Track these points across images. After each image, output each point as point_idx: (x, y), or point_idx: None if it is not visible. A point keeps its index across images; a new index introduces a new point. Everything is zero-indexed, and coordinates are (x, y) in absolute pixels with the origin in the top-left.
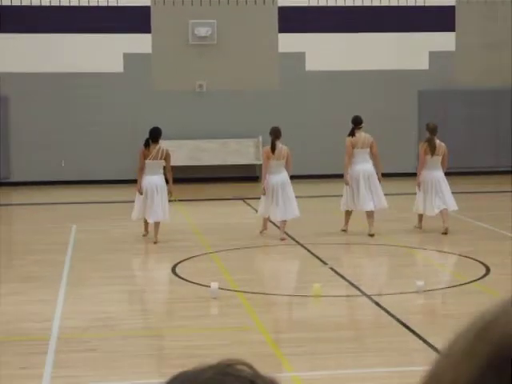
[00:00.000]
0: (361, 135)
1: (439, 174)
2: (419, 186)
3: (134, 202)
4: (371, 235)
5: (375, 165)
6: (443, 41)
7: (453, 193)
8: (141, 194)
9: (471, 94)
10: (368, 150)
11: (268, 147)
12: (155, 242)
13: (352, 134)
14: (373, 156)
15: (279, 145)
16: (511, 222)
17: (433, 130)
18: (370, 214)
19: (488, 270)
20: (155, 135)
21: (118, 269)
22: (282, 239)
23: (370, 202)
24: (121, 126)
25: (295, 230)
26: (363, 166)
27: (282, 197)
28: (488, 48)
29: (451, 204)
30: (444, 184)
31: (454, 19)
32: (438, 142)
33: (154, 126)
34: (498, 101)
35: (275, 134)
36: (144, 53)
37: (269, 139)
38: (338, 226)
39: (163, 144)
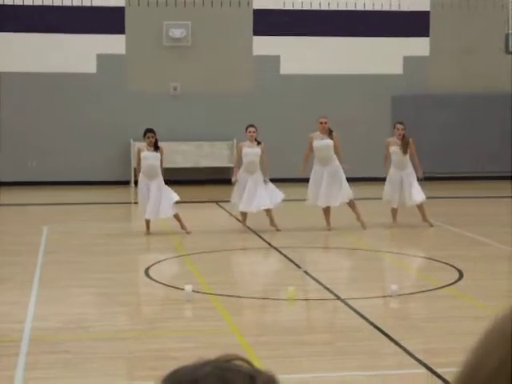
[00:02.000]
0: None
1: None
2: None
3: (102, 203)
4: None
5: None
6: (417, 46)
7: (427, 198)
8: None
9: (446, 100)
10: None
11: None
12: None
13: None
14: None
15: None
16: (484, 226)
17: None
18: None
19: (461, 274)
20: None
21: (90, 271)
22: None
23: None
24: (94, 127)
25: (270, 233)
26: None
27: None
28: (462, 53)
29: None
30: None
31: (428, 24)
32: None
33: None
34: (472, 106)
35: None
36: (118, 54)
37: (244, 141)
38: (312, 229)
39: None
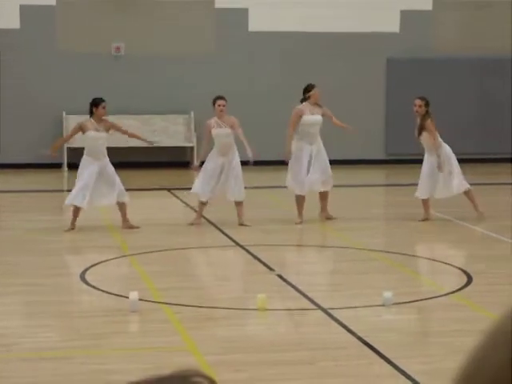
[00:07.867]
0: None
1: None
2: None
3: (28, 190)
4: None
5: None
6: None
7: None
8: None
9: (452, 64)
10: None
11: None
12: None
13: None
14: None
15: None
16: (499, 220)
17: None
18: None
19: (470, 278)
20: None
21: (12, 274)
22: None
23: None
24: (16, 98)
25: (235, 227)
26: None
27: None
28: (473, 6)
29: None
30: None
31: None
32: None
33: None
34: (484, 71)
35: None
36: (46, 5)
37: (204, 115)
38: (287, 222)
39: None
